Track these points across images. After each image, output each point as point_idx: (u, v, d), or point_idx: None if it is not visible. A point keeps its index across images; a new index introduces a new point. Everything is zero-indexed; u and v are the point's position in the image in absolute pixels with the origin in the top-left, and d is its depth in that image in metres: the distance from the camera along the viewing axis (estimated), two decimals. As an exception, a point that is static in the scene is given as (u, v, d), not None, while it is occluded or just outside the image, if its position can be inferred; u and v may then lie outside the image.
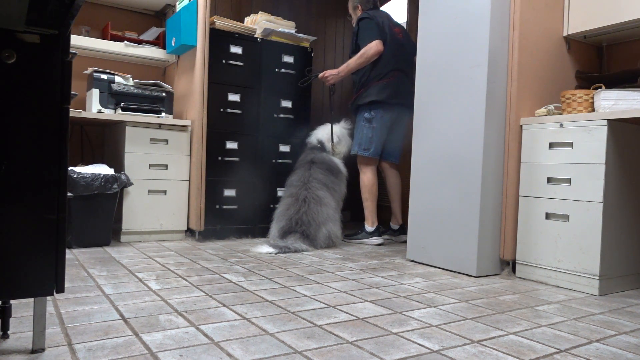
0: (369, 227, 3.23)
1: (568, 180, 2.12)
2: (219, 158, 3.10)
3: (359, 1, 3.33)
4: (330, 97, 3.43)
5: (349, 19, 3.49)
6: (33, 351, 1.20)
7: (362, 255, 2.80)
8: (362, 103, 3.19)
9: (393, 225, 3.46)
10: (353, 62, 3.15)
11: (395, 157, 3.35)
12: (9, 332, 1.30)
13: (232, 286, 1.94)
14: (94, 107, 2.87)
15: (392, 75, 3.14)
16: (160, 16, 3.62)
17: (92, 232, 2.68)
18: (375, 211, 3.26)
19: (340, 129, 3.36)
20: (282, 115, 3.35)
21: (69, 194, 2.46)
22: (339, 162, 3.25)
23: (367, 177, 3.23)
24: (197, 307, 1.63)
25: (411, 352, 1.30)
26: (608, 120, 2.00)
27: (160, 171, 2.97)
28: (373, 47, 3.08)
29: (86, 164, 2.90)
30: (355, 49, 3.22)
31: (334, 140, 3.28)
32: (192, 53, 3.03)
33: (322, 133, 3.31)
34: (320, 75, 3.32)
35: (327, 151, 3.25)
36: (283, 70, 3.33)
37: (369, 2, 3.34)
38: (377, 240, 3.19)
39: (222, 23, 3.11)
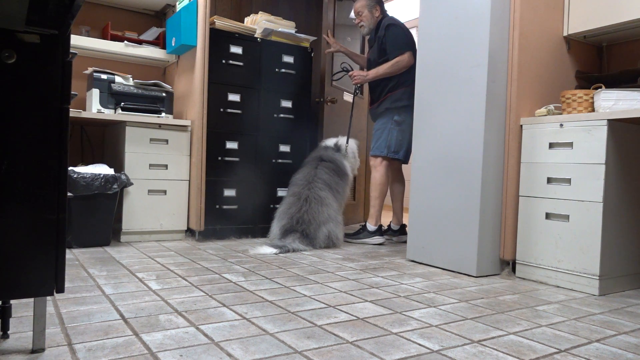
0: (371, 225, 3.23)
1: (568, 180, 2.12)
2: (219, 158, 3.10)
3: (377, 1, 3.32)
4: (354, 98, 3.47)
5: (358, 16, 3.34)
6: (33, 351, 1.20)
7: (362, 255, 2.80)
8: (392, 107, 3.20)
9: (393, 226, 3.46)
10: (383, 69, 3.17)
11: (408, 158, 3.34)
12: (9, 332, 1.30)
13: (232, 286, 1.94)
14: (94, 107, 2.87)
15: None
16: (160, 16, 3.62)
17: (92, 232, 2.68)
18: (381, 211, 3.26)
19: (355, 145, 3.40)
20: (282, 115, 3.35)
21: (69, 194, 2.46)
22: (347, 165, 3.26)
23: (380, 175, 3.23)
24: (197, 307, 1.63)
25: (411, 352, 1.30)
26: (608, 120, 2.00)
27: (160, 171, 2.97)
28: (406, 59, 3.12)
29: (86, 164, 2.90)
30: (381, 54, 3.21)
31: (349, 152, 3.31)
32: (192, 53, 3.03)
33: (341, 139, 3.35)
34: (350, 73, 3.36)
35: (342, 154, 3.27)
36: (283, 70, 3.33)
37: (383, 4, 3.36)
38: (378, 239, 3.19)
39: (222, 23, 3.11)
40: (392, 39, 3.17)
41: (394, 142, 3.19)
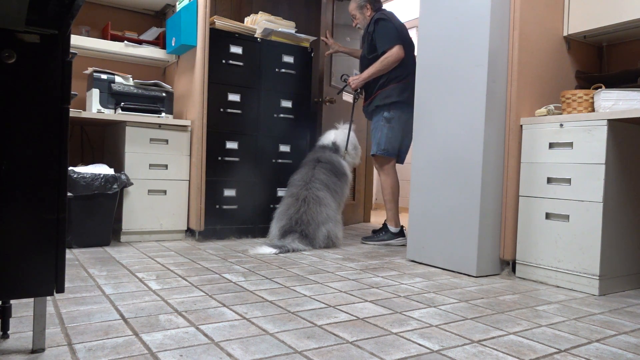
0: (393, 228, 3.23)
1: (568, 180, 2.12)
2: (219, 158, 3.10)
3: (367, 0, 3.30)
4: (354, 103, 3.49)
5: (354, 19, 3.40)
6: (33, 351, 1.20)
7: (362, 255, 2.80)
8: (382, 104, 3.18)
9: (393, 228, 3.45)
10: (374, 68, 3.15)
11: (402, 158, 3.34)
12: (9, 332, 1.30)
13: (232, 286, 1.94)
14: (94, 107, 2.87)
15: (411, 76, 3.14)
16: (160, 16, 3.62)
17: (92, 232, 2.68)
18: (398, 212, 3.25)
19: (354, 138, 3.38)
20: (282, 115, 3.35)
21: (69, 194, 2.46)
22: (346, 165, 3.25)
23: (390, 178, 3.22)
24: (197, 307, 1.63)
25: (411, 352, 1.30)
26: (608, 120, 2.00)
27: (160, 171, 2.97)
28: (394, 54, 3.08)
29: (86, 164, 2.90)
30: (372, 50, 3.20)
31: (349, 148, 3.30)
32: (192, 53, 3.03)
33: (337, 136, 3.32)
34: (347, 82, 3.37)
35: (340, 154, 3.25)
36: (283, 70, 3.34)
37: (377, 1, 3.33)
38: (402, 240, 3.19)
39: (222, 23, 3.11)
40: (380, 33, 3.14)
41: (384, 140, 3.17)
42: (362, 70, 3.33)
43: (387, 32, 3.12)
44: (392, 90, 3.15)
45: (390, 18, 3.17)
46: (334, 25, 3.98)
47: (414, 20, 4.77)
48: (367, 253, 2.87)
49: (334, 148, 3.25)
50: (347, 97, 4.11)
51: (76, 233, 2.63)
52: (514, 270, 2.35)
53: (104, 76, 2.92)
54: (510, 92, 2.31)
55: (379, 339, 1.39)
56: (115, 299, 1.70)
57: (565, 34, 2.46)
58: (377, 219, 4.79)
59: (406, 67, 3.14)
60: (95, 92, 2.88)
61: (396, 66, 3.13)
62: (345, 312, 1.64)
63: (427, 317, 1.62)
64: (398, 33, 3.13)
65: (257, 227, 3.26)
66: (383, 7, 3.38)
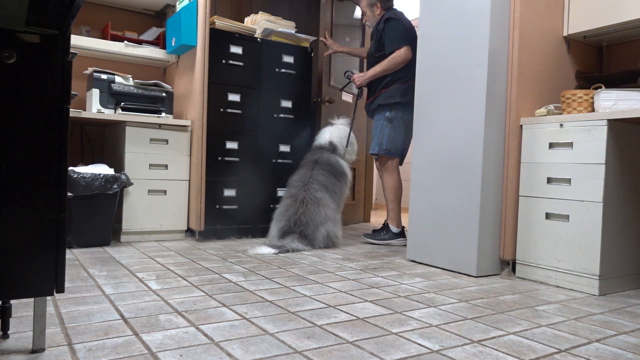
0: (395, 228, 3.23)
1: (568, 180, 2.12)
2: (219, 158, 3.10)
3: None
4: (356, 101, 3.48)
5: (364, 16, 3.38)
6: (33, 351, 1.20)
7: (362, 255, 2.80)
8: (384, 103, 3.18)
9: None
10: (380, 67, 3.15)
11: (403, 158, 3.33)
12: (9, 332, 1.30)
13: (232, 286, 1.94)
14: (94, 107, 2.87)
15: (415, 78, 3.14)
16: (160, 16, 3.62)
17: (92, 232, 2.68)
18: (400, 213, 3.25)
19: (352, 135, 3.38)
20: (282, 115, 3.35)
21: (69, 194, 2.46)
22: (344, 164, 3.24)
23: (393, 179, 3.22)
24: (197, 307, 1.63)
25: (411, 352, 1.30)
26: (608, 120, 2.00)
27: (160, 171, 2.97)
28: (402, 54, 3.08)
29: (86, 164, 2.90)
30: (379, 48, 3.20)
31: (348, 148, 3.30)
32: (192, 53, 3.03)
33: (333, 135, 3.30)
34: (351, 79, 3.37)
35: (338, 153, 3.24)
36: (283, 70, 3.34)
37: (388, 0, 3.32)
38: (402, 240, 3.19)
39: (222, 23, 3.11)
40: (389, 33, 3.13)
41: (386, 139, 3.17)
42: (367, 67, 3.33)
43: (396, 32, 3.12)
44: (396, 91, 3.15)
45: (400, 18, 3.17)
46: (333, 25, 3.99)
47: (414, 20, 4.77)
48: (367, 253, 2.87)
49: (331, 148, 3.25)
50: (346, 97, 4.11)
51: (76, 233, 2.63)
52: (514, 270, 2.35)
53: (104, 76, 2.92)
54: (510, 92, 2.31)
55: (379, 339, 1.39)
56: (115, 299, 1.70)
57: (565, 34, 2.46)
58: (377, 219, 4.79)
59: (412, 68, 3.13)
60: (95, 92, 2.88)
61: (402, 67, 3.13)
62: (345, 312, 1.64)
63: (427, 317, 1.62)
64: (407, 34, 3.13)
65: (257, 227, 3.26)
66: (394, 7, 3.37)
